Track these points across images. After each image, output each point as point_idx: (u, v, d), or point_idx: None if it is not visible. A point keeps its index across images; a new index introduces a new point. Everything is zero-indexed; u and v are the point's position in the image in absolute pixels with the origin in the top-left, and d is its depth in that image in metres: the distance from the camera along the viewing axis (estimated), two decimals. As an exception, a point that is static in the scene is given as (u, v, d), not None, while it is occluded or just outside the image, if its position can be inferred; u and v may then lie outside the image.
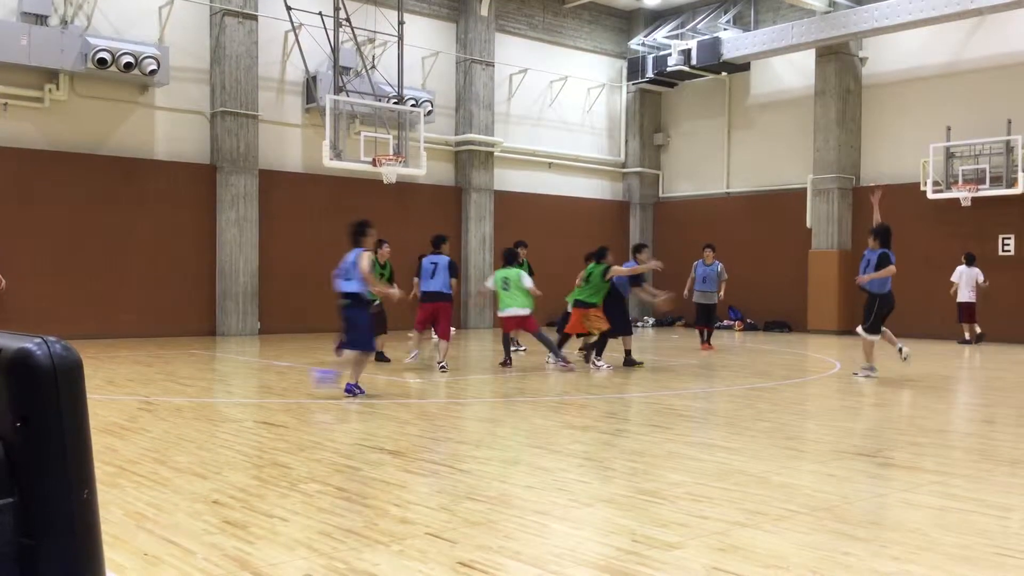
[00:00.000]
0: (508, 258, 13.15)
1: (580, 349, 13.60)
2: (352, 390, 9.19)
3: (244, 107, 18.26)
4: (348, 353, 9.40)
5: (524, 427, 7.67)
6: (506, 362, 12.77)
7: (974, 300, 18.37)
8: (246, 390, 10.51)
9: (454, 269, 12.18)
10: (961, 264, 18.57)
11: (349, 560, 3.87)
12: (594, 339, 12.89)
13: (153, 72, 16.73)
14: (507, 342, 13.23)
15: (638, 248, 14.08)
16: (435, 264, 12.15)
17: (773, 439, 7.19)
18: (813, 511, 4.83)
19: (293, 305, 19.01)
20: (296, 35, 18.55)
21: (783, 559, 3.96)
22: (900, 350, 11.80)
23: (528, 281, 12.52)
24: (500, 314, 12.78)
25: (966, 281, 18.38)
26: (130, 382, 10.42)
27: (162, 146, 17.86)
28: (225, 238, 18.15)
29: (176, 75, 17.73)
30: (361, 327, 9.27)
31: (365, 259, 9.34)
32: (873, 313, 11.59)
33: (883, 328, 11.68)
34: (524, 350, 14.92)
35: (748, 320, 23.09)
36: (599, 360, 12.58)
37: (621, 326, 12.98)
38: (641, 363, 12.99)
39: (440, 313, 12.02)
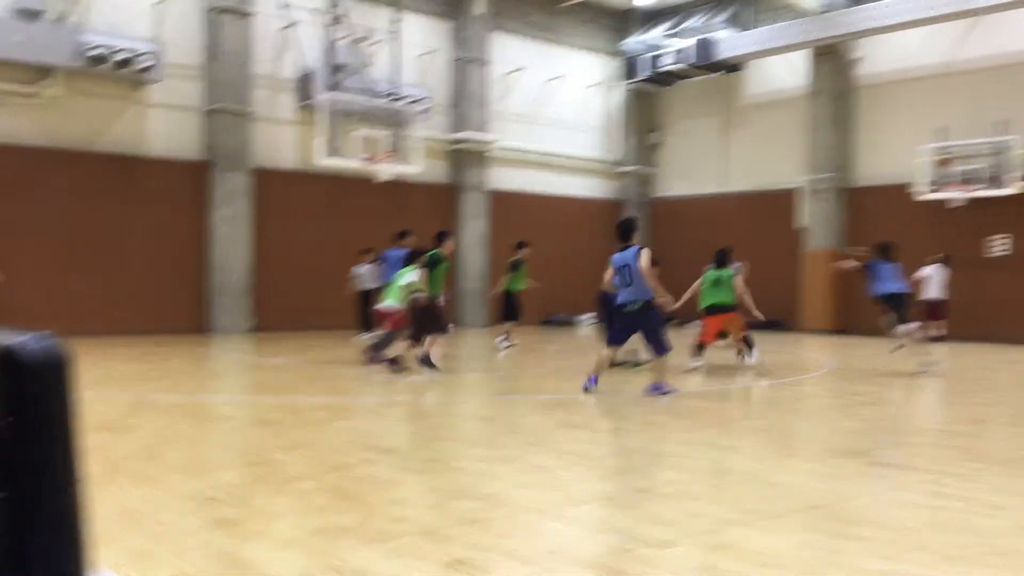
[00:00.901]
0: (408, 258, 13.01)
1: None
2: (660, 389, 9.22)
3: (238, 104, 18.22)
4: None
5: (519, 425, 7.67)
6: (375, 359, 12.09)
7: (945, 298, 18.44)
8: (240, 388, 10.50)
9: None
10: (933, 264, 18.61)
11: (343, 557, 3.86)
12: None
13: (147, 69, 16.68)
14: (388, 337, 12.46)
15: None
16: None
17: (767, 438, 7.20)
18: (806, 510, 4.84)
19: (287, 303, 18.98)
20: (291, 33, 18.51)
21: (776, 557, 3.96)
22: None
23: (411, 277, 11.89)
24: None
25: (938, 280, 18.41)
26: (124, 380, 10.40)
27: (156, 143, 17.82)
28: (218, 235, 18.11)
29: (170, 72, 17.66)
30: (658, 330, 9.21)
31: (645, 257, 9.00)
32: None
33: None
34: (513, 345, 14.84)
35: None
36: (750, 356, 12.48)
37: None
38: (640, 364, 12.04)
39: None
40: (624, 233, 9.35)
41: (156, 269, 17.55)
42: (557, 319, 23.38)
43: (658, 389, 9.25)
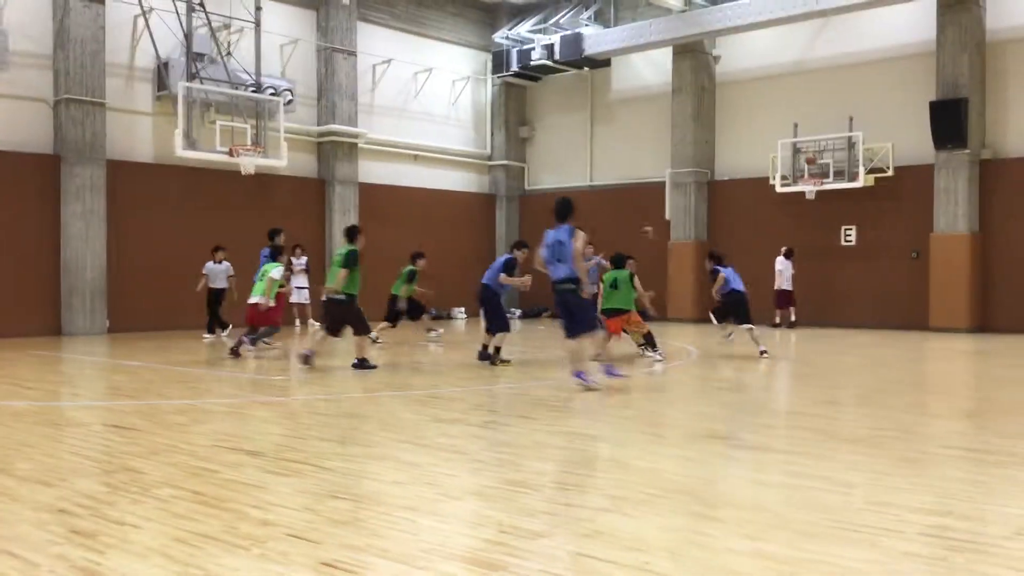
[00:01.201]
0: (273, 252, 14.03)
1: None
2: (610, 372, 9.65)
3: (90, 94, 17.36)
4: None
5: (391, 422, 7.60)
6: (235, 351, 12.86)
7: (791, 288, 19.64)
8: (94, 392, 10.01)
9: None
10: (780, 256, 19.73)
11: (207, 566, 3.73)
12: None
13: (-11, 56, 15.71)
14: (251, 331, 13.23)
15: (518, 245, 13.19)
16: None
17: (635, 426, 7.37)
18: (673, 494, 4.98)
19: (145, 302, 18.24)
20: (146, 20, 17.77)
21: (644, 542, 4.06)
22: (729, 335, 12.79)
23: (276, 272, 13.15)
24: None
25: (787, 272, 19.61)
26: (-34, 386, 9.76)
27: (1, 135, 16.78)
28: (70, 232, 17.22)
29: (16, 60, 16.66)
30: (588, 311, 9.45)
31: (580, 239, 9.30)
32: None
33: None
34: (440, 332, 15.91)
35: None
36: (653, 352, 12.84)
37: (502, 323, 12.29)
38: (508, 362, 12.09)
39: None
40: (561, 213, 9.51)
41: (2, 269, 16.55)
42: (429, 313, 23.26)
43: (580, 376, 9.19)
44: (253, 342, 13.23)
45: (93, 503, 4.77)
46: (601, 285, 12.74)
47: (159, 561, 3.80)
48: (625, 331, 13.00)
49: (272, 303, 13.04)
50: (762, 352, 12.93)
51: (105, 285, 17.65)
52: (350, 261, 11.16)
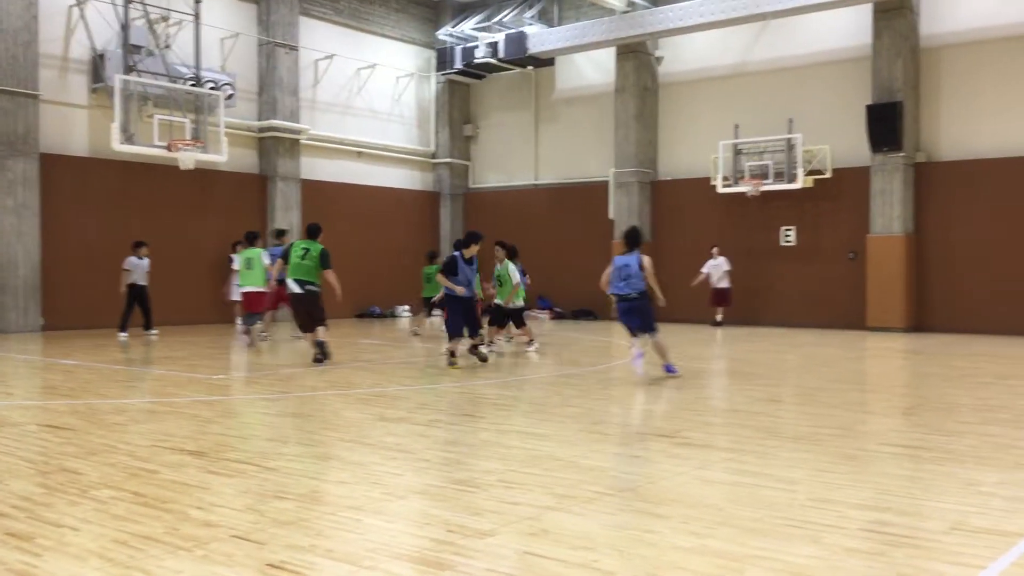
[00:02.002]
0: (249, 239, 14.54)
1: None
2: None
3: (22, 86, 16.87)
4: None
5: (335, 421, 7.52)
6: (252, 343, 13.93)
7: (728, 286, 20.00)
8: (28, 391, 9.74)
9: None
10: (711, 258, 20.10)
11: (148, 568, 3.65)
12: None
13: (-86, 44, 15.19)
14: (248, 321, 14.43)
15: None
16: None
17: (581, 424, 7.40)
18: (619, 492, 5.01)
19: (81, 299, 17.80)
20: (81, 10, 17.33)
21: (590, 540, 4.07)
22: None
23: (266, 258, 14.22)
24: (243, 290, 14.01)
25: (719, 270, 20.00)
26: None
27: (-74, 126, 16.24)
28: (2, 227, 16.72)
29: (-58, 48, 16.16)
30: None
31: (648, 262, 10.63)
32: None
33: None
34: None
35: (557, 308, 23.68)
36: (531, 346, 14.11)
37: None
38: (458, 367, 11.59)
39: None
40: (633, 240, 10.87)
41: (-72, 264, 16.01)
42: (373, 311, 23.14)
43: (670, 369, 10.80)
44: (247, 332, 14.31)
45: (29, 505, 4.64)
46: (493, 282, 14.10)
47: (98, 563, 3.71)
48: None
49: (266, 289, 14.16)
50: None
51: (39, 282, 17.18)
52: (329, 261, 11.84)
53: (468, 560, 3.79)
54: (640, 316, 10.68)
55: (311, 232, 12.15)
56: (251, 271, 14.08)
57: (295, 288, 11.84)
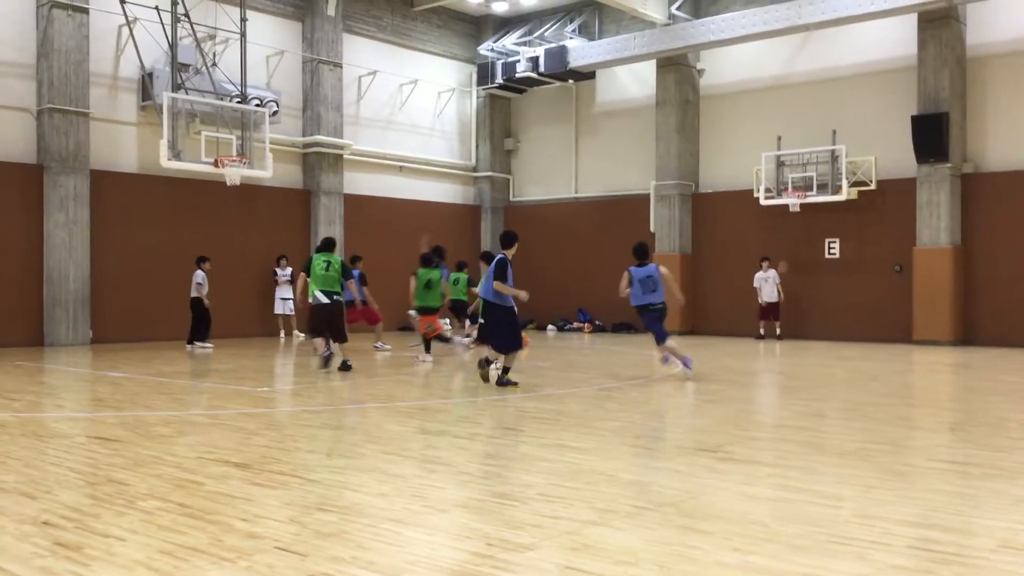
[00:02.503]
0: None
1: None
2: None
3: (74, 104, 17.28)
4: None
5: (377, 434, 7.57)
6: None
7: (777, 300, 19.80)
8: (78, 403, 9.93)
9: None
10: (760, 270, 19.90)
11: (193, 579, 3.70)
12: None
13: (-29, 65, 15.63)
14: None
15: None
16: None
17: (622, 438, 7.36)
18: (660, 507, 4.97)
19: (129, 312, 18.13)
20: (131, 29, 17.71)
21: (631, 555, 4.05)
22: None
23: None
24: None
25: (769, 284, 19.79)
26: (-54, 398, 9.66)
27: (-18, 144, 16.68)
28: (53, 242, 17.10)
29: (-2, 69, 16.62)
30: None
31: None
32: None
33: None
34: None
35: (597, 322, 23.62)
36: (425, 357, 14.21)
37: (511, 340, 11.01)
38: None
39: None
40: (642, 254, 11.81)
41: (-17, 278, 16.41)
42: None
43: (687, 363, 11.66)
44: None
45: (78, 515, 4.72)
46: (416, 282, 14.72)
47: (144, 574, 3.76)
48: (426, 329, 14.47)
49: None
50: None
51: (88, 295, 17.53)
52: (349, 271, 13.14)
53: (508, 574, 3.79)
54: (663, 322, 11.81)
55: (328, 245, 13.05)
56: (430, 291, 14.75)
57: (323, 299, 12.50)
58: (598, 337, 21.66)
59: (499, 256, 10.94)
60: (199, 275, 16.68)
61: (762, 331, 20.05)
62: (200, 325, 16.68)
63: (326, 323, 12.69)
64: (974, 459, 6.52)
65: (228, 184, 17.94)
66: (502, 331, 10.75)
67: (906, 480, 5.76)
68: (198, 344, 16.53)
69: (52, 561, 3.94)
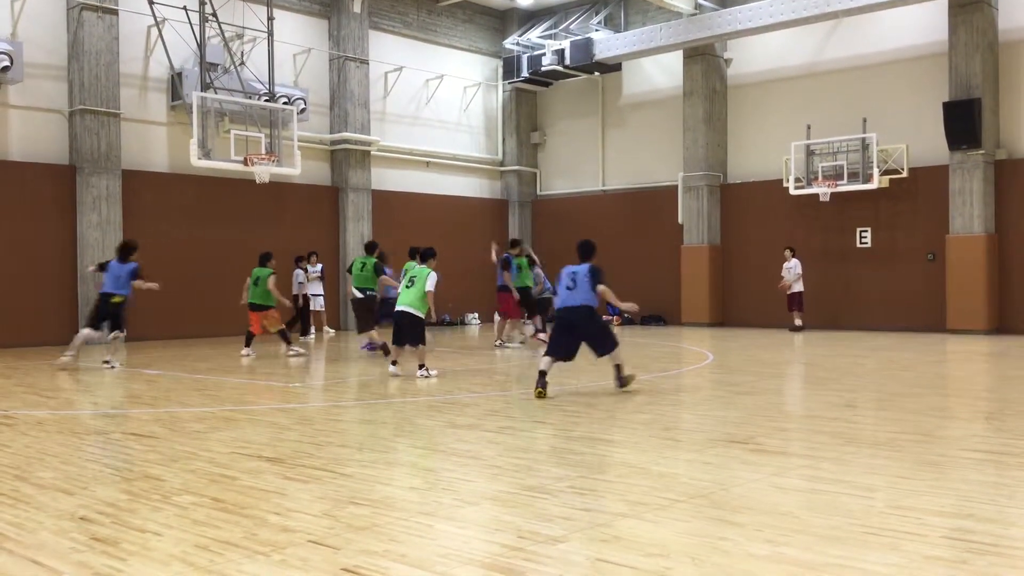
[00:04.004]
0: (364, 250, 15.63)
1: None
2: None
3: (105, 105, 17.48)
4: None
5: (407, 428, 7.61)
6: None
7: (801, 290, 19.57)
8: (113, 400, 10.07)
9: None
10: (786, 260, 19.67)
11: (228, 573, 3.75)
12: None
13: (6, 69, 15.90)
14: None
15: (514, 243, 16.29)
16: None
17: (652, 430, 7.35)
18: (691, 499, 4.96)
19: (162, 310, 18.30)
20: (159, 30, 17.88)
21: (663, 547, 4.05)
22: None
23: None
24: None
25: (792, 273, 19.58)
26: (-15, 396, 9.83)
27: (17, 146, 16.93)
28: (87, 242, 17.33)
29: (31, 72, 16.85)
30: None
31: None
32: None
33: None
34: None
35: (625, 314, 23.54)
36: (290, 350, 14.63)
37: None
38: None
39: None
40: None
41: (20, 279, 16.68)
42: (444, 319, 23.32)
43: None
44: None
45: (114, 511, 4.79)
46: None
47: (180, 568, 3.81)
48: (264, 327, 14.82)
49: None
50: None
51: (121, 294, 17.72)
52: (380, 270, 14.57)
53: (540, 566, 3.80)
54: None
55: (368, 249, 15.16)
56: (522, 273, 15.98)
57: (359, 295, 14.51)
58: (627, 329, 21.60)
59: (590, 265, 10.00)
60: (299, 274, 18.65)
61: (798, 322, 19.70)
62: (302, 321, 18.64)
63: (364, 314, 14.58)
64: (1010, 449, 6.44)
65: (257, 182, 18.08)
66: (603, 332, 10.11)
67: (940, 470, 5.70)
68: (302, 339, 18.09)
69: (90, 556, 4.00)
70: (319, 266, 19.94)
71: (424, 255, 11.97)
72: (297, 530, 4.38)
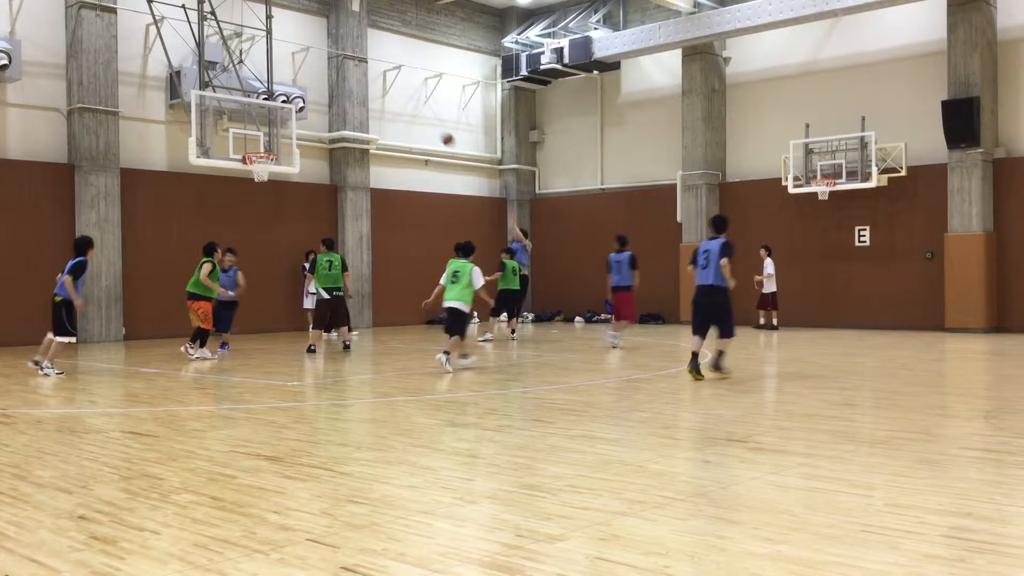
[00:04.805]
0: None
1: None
2: None
3: (103, 103, 17.46)
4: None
5: (406, 426, 7.61)
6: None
7: (775, 289, 19.62)
8: (111, 399, 10.06)
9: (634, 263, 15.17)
10: (767, 257, 19.71)
11: (226, 571, 3.75)
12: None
13: (4, 67, 15.88)
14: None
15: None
16: (619, 261, 15.26)
17: (650, 429, 7.35)
18: (690, 497, 4.97)
19: (160, 309, 18.30)
20: (158, 28, 17.86)
21: (662, 545, 4.05)
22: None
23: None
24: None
25: (768, 272, 19.64)
26: (-16, 395, 9.83)
27: (15, 145, 16.91)
28: (86, 240, 17.30)
29: (29, 70, 16.83)
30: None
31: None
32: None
33: None
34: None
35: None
36: (195, 351, 13.79)
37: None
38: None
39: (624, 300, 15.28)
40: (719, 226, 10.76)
41: (18, 278, 16.66)
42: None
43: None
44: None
45: (113, 509, 4.79)
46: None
47: (179, 566, 3.81)
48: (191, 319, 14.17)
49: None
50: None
51: (121, 293, 17.74)
52: (347, 265, 14.98)
53: (538, 565, 3.80)
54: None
55: (329, 245, 15.10)
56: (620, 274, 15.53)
57: (325, 295, 14.66)
58: (624, 329, 21.56)
59: (723, 239, 10.53)
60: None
61: (762, 320, 19.88)
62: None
63: (332, 314, 15.02)
64: (1008, 447, 6.45)
65: (256, 180, 18.07)
66: (729, 317, 10.64)
67: (938, 469, 5.70)
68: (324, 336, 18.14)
69: (88, 554, 4.00)
70: None
71: (465, 250, 12.35)
72: (296, 528, 4.38)
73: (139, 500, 5.00)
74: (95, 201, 17.39)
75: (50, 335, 11.74)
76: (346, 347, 15.08)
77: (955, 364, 13.31)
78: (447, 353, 11.73)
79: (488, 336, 16.94)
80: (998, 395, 9.82)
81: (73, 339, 11.95)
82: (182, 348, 14.06)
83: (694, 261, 10.69)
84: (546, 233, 25.11)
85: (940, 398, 9.64)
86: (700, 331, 10.59)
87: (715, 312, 10.48)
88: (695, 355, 10.42)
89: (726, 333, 10.62)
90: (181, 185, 18.85)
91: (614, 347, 15.24)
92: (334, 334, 16.60)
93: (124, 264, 17.81)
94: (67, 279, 11.55)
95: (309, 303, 20.00)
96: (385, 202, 22.49)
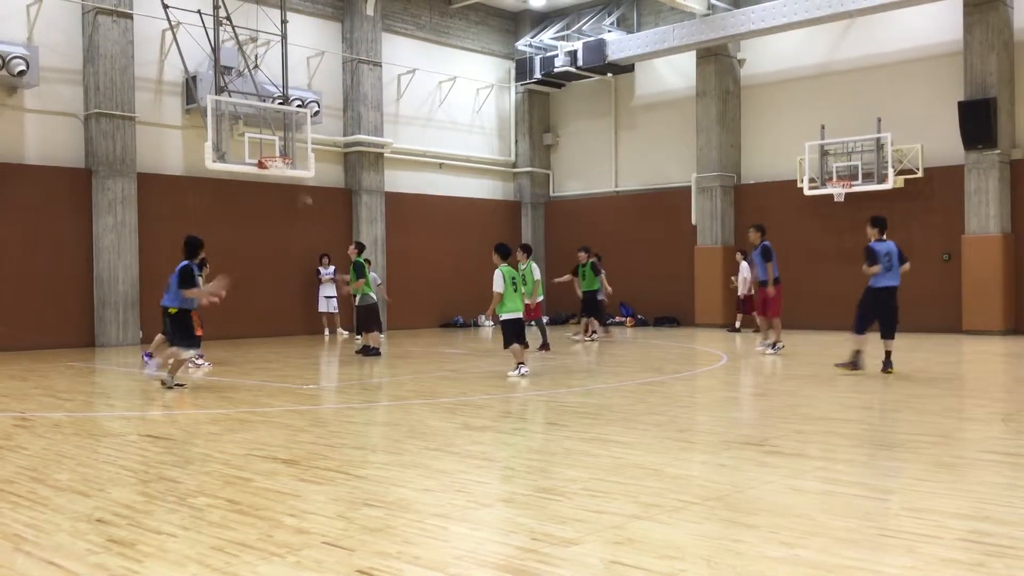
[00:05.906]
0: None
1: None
2: None
3: (120, 108, 17.58)
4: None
5: (421, 430, 7.62)
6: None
7: (753, 293, 19.49)
8: (129, 403, 10.12)
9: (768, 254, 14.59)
10: (743, 260, 19.62)
11: (243, 574, 3.76)
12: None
13: (22, 73, 15.99)
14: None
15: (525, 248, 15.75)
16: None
17: (666, 432, 7.34)
18: (705, 501, 4.95)
19: (178, 313, 18.37)
20: (174, 34, 17.98)
21: (678, 549, 4.04)
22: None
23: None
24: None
25: (743, 276, 19.59)
26: (4, 398, 9.91)
27: (33, 150, 17.05)
28: (103, 244, 17.43)
29: (47, 76, 16.96)
30: None
31: None
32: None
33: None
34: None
35: (639, 316, 23.52)
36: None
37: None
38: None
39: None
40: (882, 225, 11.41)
41: (36, 282, 16.79)
42: (456, 321, 23.34)
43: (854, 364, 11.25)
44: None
45: (130, 512, 4.82)
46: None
47: (196, 569, 3.83)
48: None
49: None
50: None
51: (138, 296, 17.84)
52: (362, 271, 14.80)
53: (553, 568, 3.80)
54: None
55: (360, 248, 15.25)
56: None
57: (373, 298, 15.04)
58: (640, 331, 21.56)
59: (893, 243, 11.59)
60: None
61: (747, 326, 19.78)
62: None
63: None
64: (1027, 450, 6.40)
65: (276, 183, 18.09)
66: (896, 317, 11.54)
67: (956, 472, 5.67)
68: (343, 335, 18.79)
69: (106, 557, 4.03)
70: (331, 268, 20.01)
71: (526, 249, 13.89)
72: (312, 532, 4.39)
73: (156, 503, 5.03)
74: (112, 205, 17.50)
75: (172, 347, 10.78)
76: (368, 352, 14.90)
77: (973, 366, 13.22)
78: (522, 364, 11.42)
79: (594, 335, 17.90)
80: (1016, 397, 9.75)
81: (195, 350, 11.20)
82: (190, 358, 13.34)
83: (875, 261, 11.21)
84: (560, 236, 25.09)
85: (958, 401, 9.58)
86: (866, 331, 11.44)
87: (895, 314, 11.47)
88: (859, 353, 11.36)
89: (891, 334, 11.49)
90: (197, 189, 18.95)
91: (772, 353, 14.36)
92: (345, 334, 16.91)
93: (141, 268, 17.91)
94: (192, 292, 10.86)
95: (324, 306, 20.13)
96: (400, 205, 22.54)
